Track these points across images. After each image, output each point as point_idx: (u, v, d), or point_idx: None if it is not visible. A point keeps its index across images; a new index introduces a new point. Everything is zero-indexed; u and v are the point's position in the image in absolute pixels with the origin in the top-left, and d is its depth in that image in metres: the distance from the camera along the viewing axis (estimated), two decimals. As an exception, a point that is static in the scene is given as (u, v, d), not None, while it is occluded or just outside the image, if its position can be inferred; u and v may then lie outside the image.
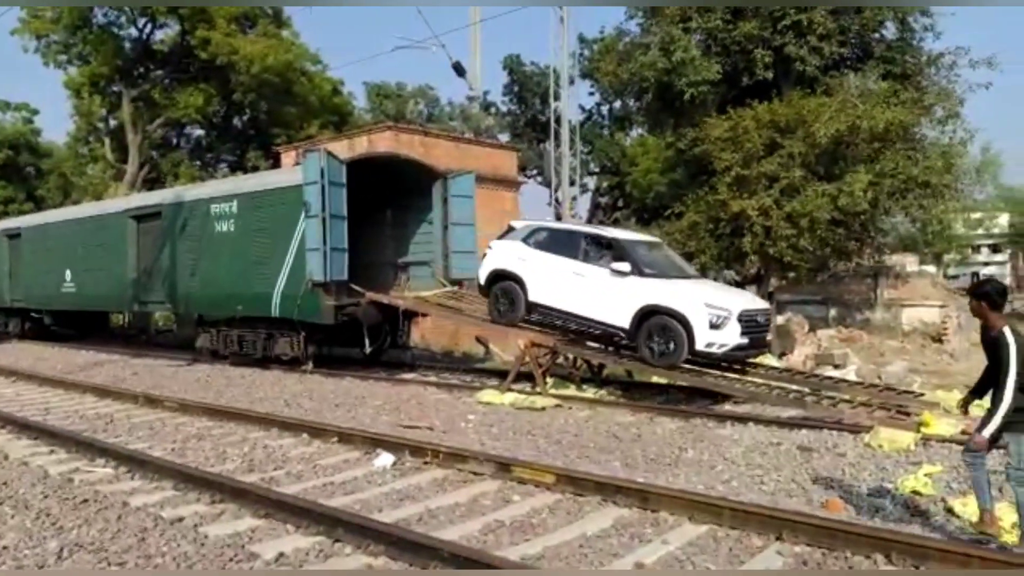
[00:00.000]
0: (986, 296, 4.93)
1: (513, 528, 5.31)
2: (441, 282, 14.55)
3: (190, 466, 6.89)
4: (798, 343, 17.27)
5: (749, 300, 10.78)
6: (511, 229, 12.28)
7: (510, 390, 11.14)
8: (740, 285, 22.21)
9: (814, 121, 16.70)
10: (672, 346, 9.90)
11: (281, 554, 4.79)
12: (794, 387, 9.97)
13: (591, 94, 38.14)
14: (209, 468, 6.96)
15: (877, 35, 19.43)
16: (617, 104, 37.58)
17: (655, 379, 12.24)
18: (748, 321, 9.93)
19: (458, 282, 14.73)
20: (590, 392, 11.57)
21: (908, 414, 8.39)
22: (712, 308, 9.80)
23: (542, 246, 11.54)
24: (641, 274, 10.39)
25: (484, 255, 12.42)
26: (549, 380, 11.72)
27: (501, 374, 12.73)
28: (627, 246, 10.91)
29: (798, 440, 7.95)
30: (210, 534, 5.14)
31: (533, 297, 11.41)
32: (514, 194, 26.47)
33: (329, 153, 12.91)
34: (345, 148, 22.14)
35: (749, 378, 10.37)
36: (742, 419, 9.05)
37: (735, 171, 17.68)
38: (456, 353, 18.41)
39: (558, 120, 22.31)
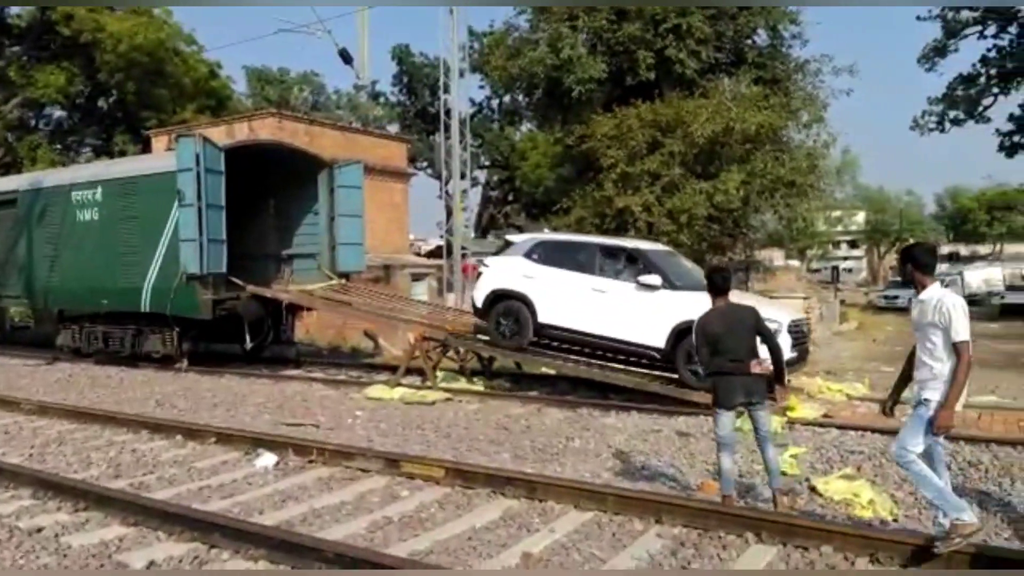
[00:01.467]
0: (707, 280, 5.71)
1: (401, 524, 5.25)
2: (328, 275, 14.16)
3: (50, 472, 6.40)
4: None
5: (791, 310, 10.13)
6: (508, 244, 11.33)
7: (400, 385, 11.02)
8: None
9: (692, 121, 17.46)
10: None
11: (152, 562, 4.54)
12: (674, 375, 10.38)
13: (481, 87, 38.33)
14: (71, 474, 6.48)
15: (750, 41, 20.51)
16: (507, 99, 37.86)
17: (543, 370, 12.46)
18: (796, 332, 9.43)
19: (345, 275, 14.39)
20: (480, 385, 11.62)
21: (775, 399, 8.91)
22: None
23: (550, 261, 10.53)
24: (672, 287, 9.53)
25: (479, 275, 11.32)
26: (439, 374, 11.68)
27: (391, 369, 12.58)
28: (654, 257, 10.14)
29: (677, 426, 8.31)
30: (73, 544, 4.80)
31: (544, 318, 10.34)
32: (404, 186, 26.21)
33: (205, 138, 12.27)
34: (223, 134, 21.17)
35: (633, 368, 10.71)
36: (625, 407, 9.35)
37: (620, 168, 18.23)
38: (344, 348, 18.02)
39: (448, 112, 22.19)
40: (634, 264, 10.02)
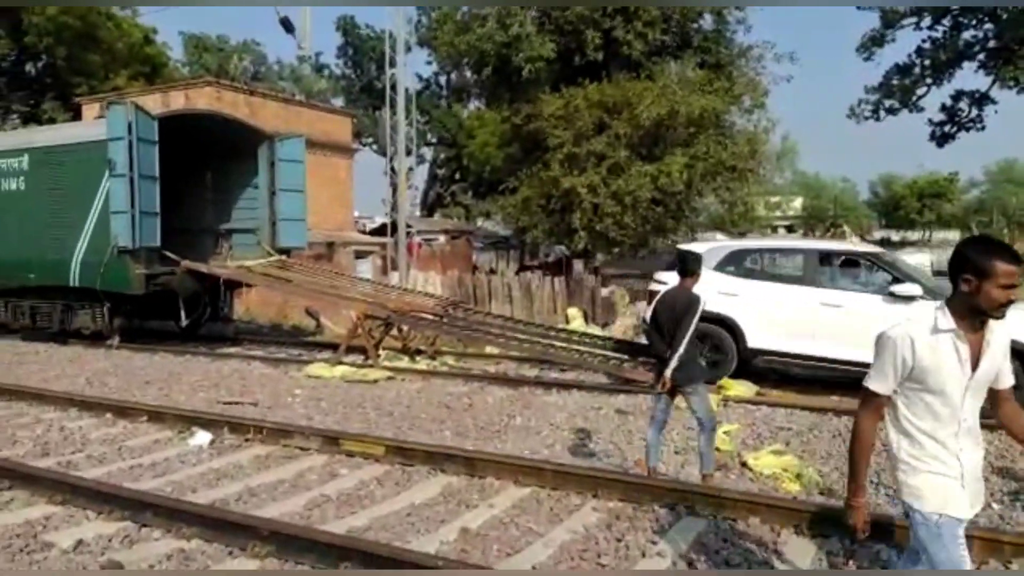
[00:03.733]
0: (678, 259, 5.59)
1: (340, 502, 5.23)
2: (268, 251, 13.87)
3: (-31, 453, 6.15)
4: (620, 314, 18.29)
5: None
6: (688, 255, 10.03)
7: (341, 363, 10.90)
8: (568, 260, 23.14)
9: (638, 104, 17.63)
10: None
11: (80, 541, 4.42)
12: (614, 355, 10.56)
13: (428, 63, 37.88)
14: (-7, 454, 6.24)
15: (695, 25, 20.78)
16: (454, 75, 37.50)
17: (488, 350, 12.52)
18: None
19: (286, 251, 14.11)
20: (423, 364, 11.59)
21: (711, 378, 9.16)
22: None
23: (752, 273, 9.31)
24: (934, 295, 8.12)
25: (652, 295, 9.64)
26: (382, 352, 11.60)
27: (332, 347, 12.43)
28: (893, 260, 9.04)
29: (616, 404, 8.44)
30: (-6, 524, 4.63)
31: (756, 342, 9.05)
32: (348, 161, 25.79)
33: (138, 106, 11.80)
34: (159, 103, 20.45)
35: (575, 346, 10.86)
36: (567, 386, 9.46)
37: (567, 148, 18.31)
38: (284, 326, 17.71)
39: (394, 87, 21.85)
40: (868, 271, 9.00)
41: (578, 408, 8.35)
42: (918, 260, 49.66)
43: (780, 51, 20.02)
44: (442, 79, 40.41)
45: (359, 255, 24.23)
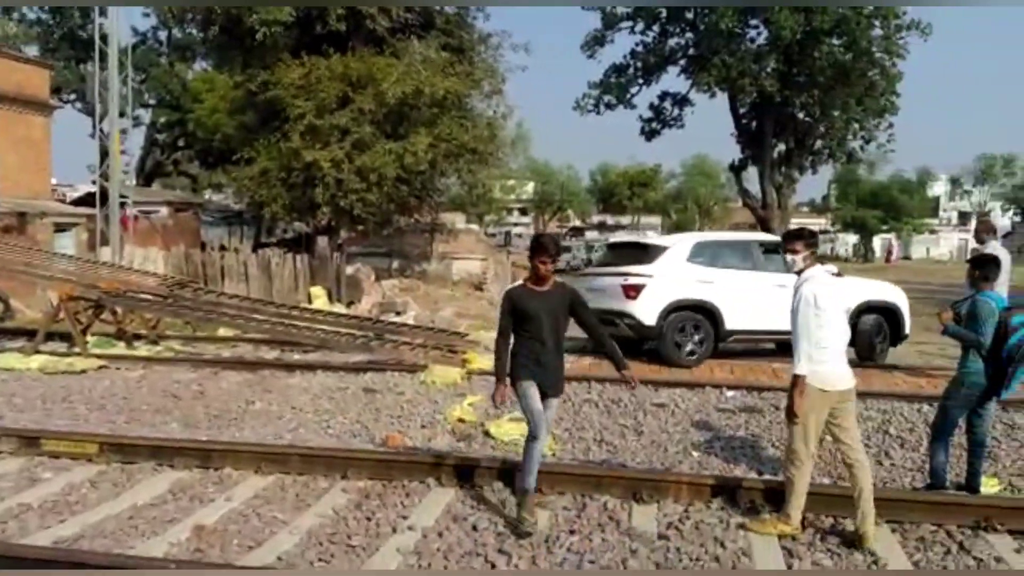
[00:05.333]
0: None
1: (44, 510, 4.55)
2: (-65, 221, 11.50)
3: None
4: (365, 292, 18.11)
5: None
6: (657, 249, 10.24)
7: (38, 352, 9.46)
8: (311, 236, 22.37)
9: (383, 80, 17.41)
10: (886, 341, 10.22)
11: None
12: (361, 333, 10.42)
13: (146, 15, 33.85)
14: None
15: (438, 7, 20.97)
16: (177, 31, 34.06)
17: (222, 333, 11.67)
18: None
19: (-38, 221, 11.81)
20: (143, 350, 10.47)
21: (456, 352, 9.45)
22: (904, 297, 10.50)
23: (720, 263, 10.04)
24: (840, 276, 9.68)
25: (638, 288, 9.75)
26: (91, 339, 10.26)
27: (28, 334, 10.74)
28: None
29: (363, 383, 8.35)
30: None
31: (732, 324, 9.85)
32: (46, 120, 22.23)
33: None
34: None
35: (319, 326, 10.52)
36: (311, 367, 9.15)
37: (308, 120, 17.53)
38: (-40, 311, 14.87)
39: (103, 39, 19.19)
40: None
41: (323, 389, 8.12)
42: (631, 242, 55.61)
43: (516, 41, 20.91)
44: (162, 34, 36.33)
45: (60, 228, 21.03)
